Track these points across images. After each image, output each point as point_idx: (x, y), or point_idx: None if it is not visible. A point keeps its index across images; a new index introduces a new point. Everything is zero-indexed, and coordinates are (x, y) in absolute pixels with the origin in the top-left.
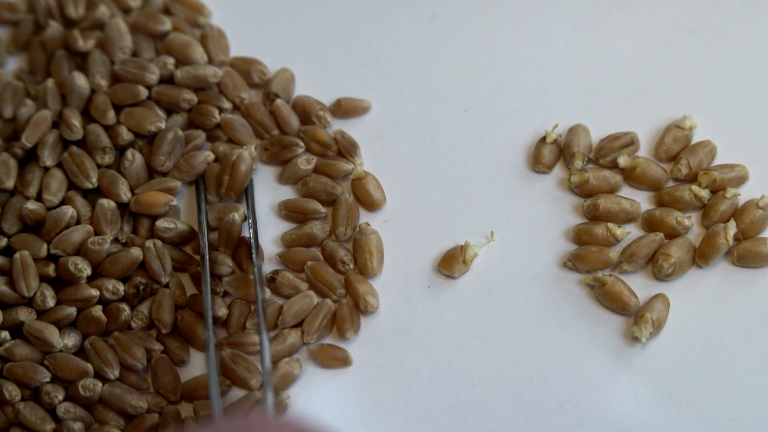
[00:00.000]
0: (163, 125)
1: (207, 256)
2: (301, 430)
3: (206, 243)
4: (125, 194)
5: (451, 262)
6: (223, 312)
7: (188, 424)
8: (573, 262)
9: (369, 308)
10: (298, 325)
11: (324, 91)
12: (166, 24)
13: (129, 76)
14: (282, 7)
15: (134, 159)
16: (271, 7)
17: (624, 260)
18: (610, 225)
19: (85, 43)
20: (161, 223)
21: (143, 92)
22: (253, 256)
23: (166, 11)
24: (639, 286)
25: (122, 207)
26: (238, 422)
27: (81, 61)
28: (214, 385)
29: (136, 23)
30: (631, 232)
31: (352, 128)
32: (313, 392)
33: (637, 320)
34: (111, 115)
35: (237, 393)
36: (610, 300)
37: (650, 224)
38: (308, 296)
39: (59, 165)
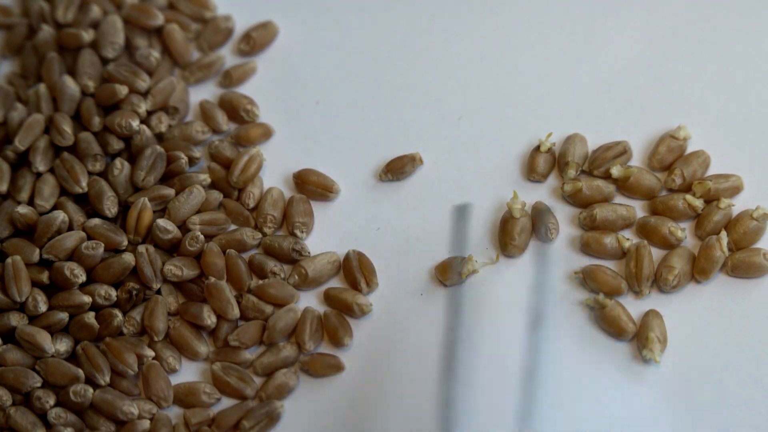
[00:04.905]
0: (134, 124)
1: None
2: None
3: None
4: (109, 210)
5: (447, 270)
6: (211, 321)
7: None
8: (583, 276)
9: (365, 309)
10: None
11: (315, 95)
12: (159, 18)
13: (120, 78)
14: (280, 10)
15: (123, 168)
16: (270, 11)
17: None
18: (620, 236)
19: (87, 34)
20: (162, 223)
21: (122, 91)
22: None
23: (171, 6)
24: (626, 301)
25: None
26: None
27: (72, 63)
28: None
29: (128, 17)
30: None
31: (343, 134)
32: (307, 401)
33: (644, 343)
34: (96, 121)
35: (227, 403)
36: (608, 324)
37: (644, 232)
38: (292, 310)
39: (51, 170)
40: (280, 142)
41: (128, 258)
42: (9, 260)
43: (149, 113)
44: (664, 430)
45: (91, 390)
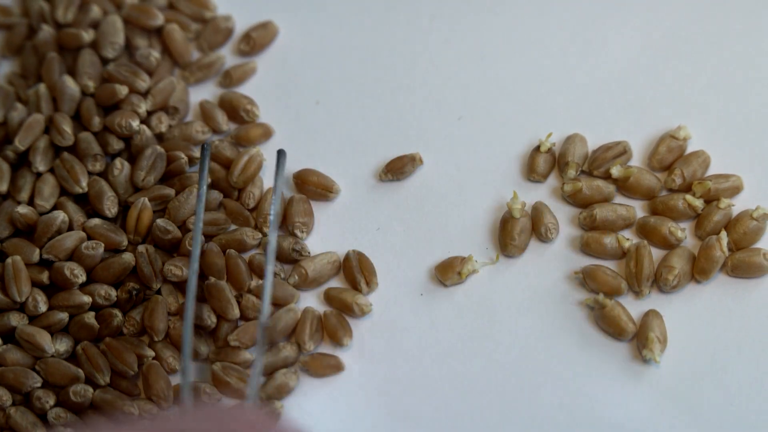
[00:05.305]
0: (134, 124)
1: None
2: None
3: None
4: (109, 210)
5: (447, 270)
6: (211, 321)
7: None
8: (583, 276)
9: (365, 309)
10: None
11: (315, 95)
12: (159, 18)
13: (120, 78)
14: (280, 10)
15: (123, 168)
16: (270, 11)
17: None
18: (620, 236)
19: (87, 34)
20: (162, 223)
21: (122, 91)
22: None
23: (171, 6)
24: (626, 301)
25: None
26: (211, 410)
27: (72, 63)
28: (188, 369)
29: (128, 17)
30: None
31: (343, 134)
32: (307, 401)
33: (644, 343)
34: (96, 121)
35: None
36: (608, 324)
37: (644, 232)
38: (292, 310)
39: (51, 170)
40: (280, 142)
41: (128, 258)
42: (9, 260)
43: (149, 113)
44: (664, 430)
45: (91, 390)
